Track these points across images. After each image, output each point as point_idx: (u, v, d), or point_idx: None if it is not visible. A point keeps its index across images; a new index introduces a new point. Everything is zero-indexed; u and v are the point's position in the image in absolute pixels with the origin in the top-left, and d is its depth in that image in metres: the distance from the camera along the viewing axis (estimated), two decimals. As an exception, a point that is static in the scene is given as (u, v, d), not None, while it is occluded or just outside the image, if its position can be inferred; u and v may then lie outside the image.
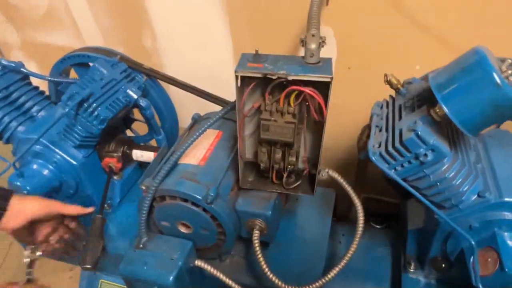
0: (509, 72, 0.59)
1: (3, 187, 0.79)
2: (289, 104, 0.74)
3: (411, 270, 0.93)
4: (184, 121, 1.29)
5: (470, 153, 0.78)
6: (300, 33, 1.32)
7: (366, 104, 0.89)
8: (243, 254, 1.02)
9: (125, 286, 1.17)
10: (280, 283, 0.82)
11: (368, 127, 0.87)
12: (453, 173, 0.70)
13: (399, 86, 0.80)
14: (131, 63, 1.16)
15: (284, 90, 0.74)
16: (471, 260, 0.73)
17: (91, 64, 1.28)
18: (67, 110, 0.90)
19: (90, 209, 0.92)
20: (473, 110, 0.60)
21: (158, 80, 1.24)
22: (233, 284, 0.85)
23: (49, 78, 1.16)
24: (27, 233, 0.79)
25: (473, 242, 0.72)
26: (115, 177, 1.20)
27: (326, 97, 0.71)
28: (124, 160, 1.15)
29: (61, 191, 1.13)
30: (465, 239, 0.74)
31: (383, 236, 1.15)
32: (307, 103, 0.76)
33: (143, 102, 1.05)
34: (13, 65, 1.11)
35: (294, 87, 0.70)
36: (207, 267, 0.88)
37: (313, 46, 0.72)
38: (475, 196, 0.73)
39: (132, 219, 1.18)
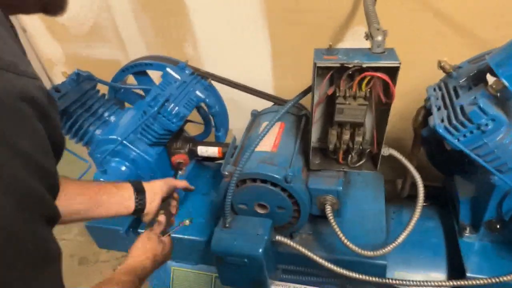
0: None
1: (134, 180, 0.90)
2: (360, 89, 0.86)
3: (467, 235, 1.03)
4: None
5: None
6: (333, 34, 1.45)
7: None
8: (311, 231, 1.12)
9: (194, 271, 1.28)
10: (356, 248, 0.93)
11: (423, 108, 0.98)
12: (509, 140, 0.81)
13: (451, 70, 0.91)
14: (191, 67, 1.28)
15: (352, 78, 0.86)
16: (528, 215, 0.84)
17: (148, 71, 1.41)
18: (154, 110, 1.01)
19: (192, 187, 1.05)
20: (530, 82, 0.72)
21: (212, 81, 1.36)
22: (313, 256, 0.96)
23: (120, 85, 1.28)
24: (155, 212, 0.92)
25: (530, 199, 0.83)
26: (179, 172, 1.31)
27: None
28: (190, 156, 1.26)
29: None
30: (521, 197, 0.85)
31: (430, 212, 1.26)
32: (369, 89, 0.88)
33: (210, 101, 1.17)
34: (86, 74, 1.23)
35: (368, 73, 0.82)
36: (288, 242, 0.99)
37: (379, 38, 0.84)
38: (527, 159, 0.84)
39: (198, 209, 1.29)
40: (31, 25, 1.84)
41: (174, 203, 0.99)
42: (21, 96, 0.37)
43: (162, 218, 0.92)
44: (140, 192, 0.88)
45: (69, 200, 0.79)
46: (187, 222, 1.00)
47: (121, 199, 0.86)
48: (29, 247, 0.37)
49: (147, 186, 0.90)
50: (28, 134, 0.38)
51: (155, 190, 0.90)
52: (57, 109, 0.47)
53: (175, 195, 1.02)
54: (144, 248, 0.84)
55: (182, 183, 0.98)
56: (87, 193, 0.83)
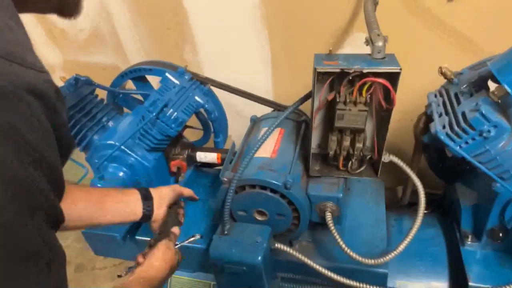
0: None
1: (141, 187, 0.88)
2: (360, 94, 0.85)
3: (469, 243, 1.02)
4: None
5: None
6: (333, 40, 1.44)
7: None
8: (310, 238, 1.11)
9: (192, 278, 1.26)
10: (357, 256, 0.91)
11: (424, 115, 0.97)
12: (511, 147, 0.80)
13: (452, 76, 0.91)
14: (190, 72, 1.27)
15: (352, 84, 0.85)
16: (532, 223, 0.83)
17: (147, 77, 1.41)
18: (152, 115, 1.00)
19: (197, 198, 1.03)
20: (532, 88, 0.71)
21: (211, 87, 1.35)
22: (313, 264, 0.94)
23: (119, 90, 1.27)
24: (162, 220, 0.89)
25: (533, 207, 0.81)
26: (179, 179, 1.30)
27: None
28: (188, 162, 1.25)
29: (133, 193, 1.22)
30: (524, 205, 0.84)
31: (431, 219, 1.24)
32: (370, 94, 0.87)
33: (209, 107, 1.16)
34: (85, 79, 1.22)
35: (369, 79, 0.81)
36: (287, 249, 0.97)
37: (380, 43, 0.83)
38: (530, 166, 0.83)
39: (198, 214, 1.27)
40: (30, 30, 1.84)
41: (181, 211, 0.96)
42: (29, 90, 0.36)
43: (176, 229, 0.90)
44: (147, 199, 0.86)
45: (70, 204, 0.76)
46: (197, 236, 0.99)
47: (128, 206, 0.84)
48: (31, 243, 0.36)
49: (155, 192, 0.88)
50: (35, 129, 0.36)
51: (162, 196, 0.88)
52: (65, 106, 0.45)
53: (182, 203, 0.99)
54: (165, 259, 0.81)
55: (188, 192, 0.96)
56: (91, 198, 0.80)
